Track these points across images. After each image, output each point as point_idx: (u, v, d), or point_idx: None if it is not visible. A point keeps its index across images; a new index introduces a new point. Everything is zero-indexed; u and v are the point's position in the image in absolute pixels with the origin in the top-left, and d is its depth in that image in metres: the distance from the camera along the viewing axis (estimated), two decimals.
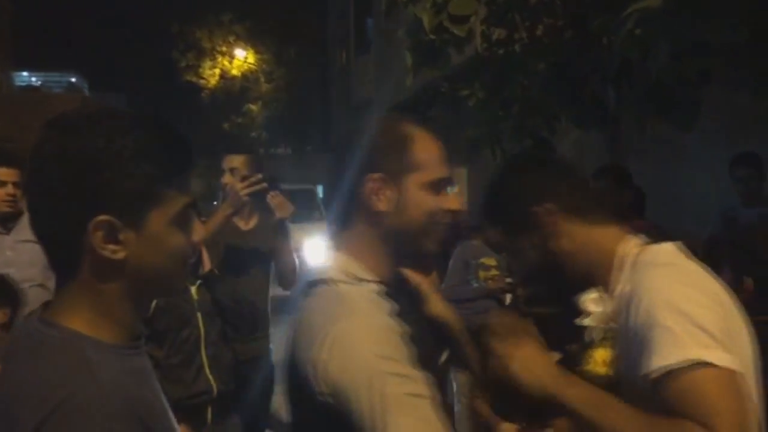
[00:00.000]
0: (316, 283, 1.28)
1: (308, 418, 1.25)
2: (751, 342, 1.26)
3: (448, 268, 4.58)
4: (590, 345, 1.33)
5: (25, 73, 39.50)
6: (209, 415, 2.84)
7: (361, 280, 1.27)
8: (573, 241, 1.35)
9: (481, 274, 4.50)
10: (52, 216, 0.96)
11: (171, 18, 23.32)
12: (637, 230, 1.40)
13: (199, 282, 2.86)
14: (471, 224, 4.83)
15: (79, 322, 0.99)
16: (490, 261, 4.55)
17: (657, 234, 1.49)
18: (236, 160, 3.46)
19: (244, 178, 3.14)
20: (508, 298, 3.90)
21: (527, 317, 1.48)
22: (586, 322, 1.32)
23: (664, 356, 1.13)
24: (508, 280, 4.41)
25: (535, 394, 1.23)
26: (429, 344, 1.35)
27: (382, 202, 1.27)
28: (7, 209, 3.53)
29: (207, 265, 2.87)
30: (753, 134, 4.43)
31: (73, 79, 42.48)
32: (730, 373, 1.13)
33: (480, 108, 4.31)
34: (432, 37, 3.63)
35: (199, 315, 2.83)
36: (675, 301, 1.18)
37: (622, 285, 1.28)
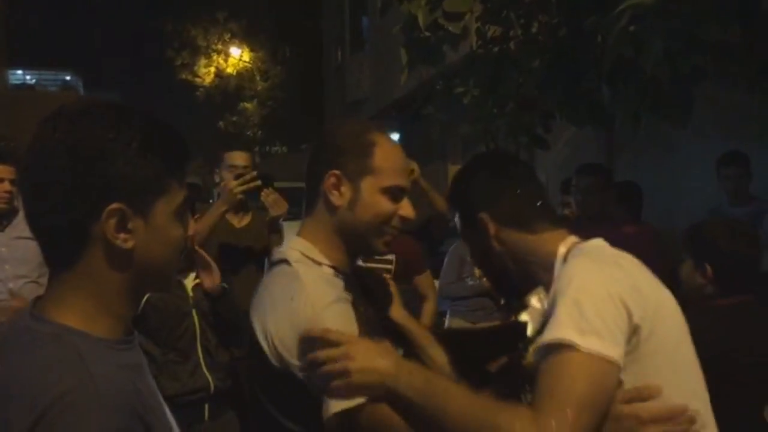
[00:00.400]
0: (276, 262, 1.44)
1: (264, 384, 1.39)
2: (675, 318, 1.32)
3: (443, 266, 4.59)
4: (529, 340, 1.42)
5: (19, 72, 39.38)
6: (206, 412, 2.85)
7: (316, 262, 1.43)
8: (513, 246, 1.44)
9: (477, 271, 4.50)
10: (59, 206, 0.96)
11: (165, 16, 23.27)
12: (627, 235, 1.48)
13: (196, 280, 2.86)
14: None
15: (71, 316, 0.98)
16: None
17: (650, 239, 1.57)
18: (237, 158, 3.47)
19: (238, 176, 3.15)
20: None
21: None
22: (522, 317, 1.45)
23: (544, 335, 1.22)
24: None
25: (378, 390, 1.23)
26: (379, 331, 1.45)
27: (337, 197, 1.43)
28: (3, 206, 3.55)
29: (213, 279, 2.82)
30: (747, 131, 4.44)
31: (68, 78, 42.32)
32: (596, 360, 1.16)
33: (475, 105, 4.32)
34: (427, 34, 3.63)
35: (194, 312, 2.83)
36: (573, 289, 1.24)
37: (554, 282, 1.35)
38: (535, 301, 1.43)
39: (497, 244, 1.44)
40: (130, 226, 0.98)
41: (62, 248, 0.99)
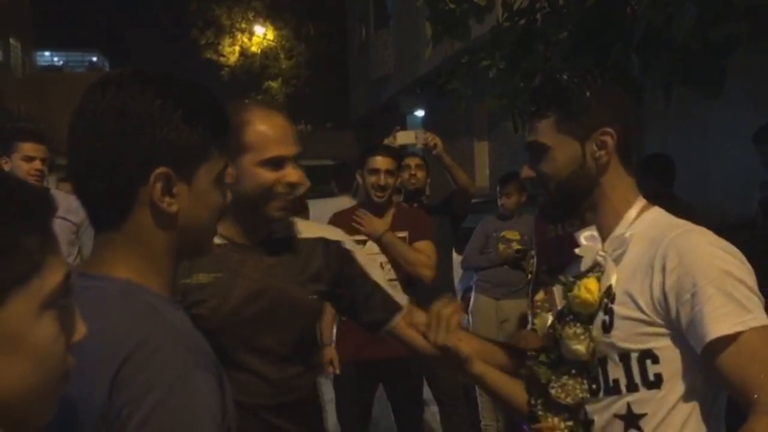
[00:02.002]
0: None
1: None
2: None
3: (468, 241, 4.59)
4: (579, 275, 1.44)
5: (47, 53, 39.80)
6: None
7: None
8: (609, 175, 1.43)
9: (501, 246, 4.50)
10: (108, 169, 0.99)
11: None
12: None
13: None
14: (490, 197, 4.78)
15: (130, 273, 1.01)
16: (513, 234, 4.53)
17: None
18: None
19: None
20: (530, 266, 3.89)
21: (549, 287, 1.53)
22: (578, 251, 1.46)
23: (730, 323, 1.20)
24: (517, 247, 4.42)
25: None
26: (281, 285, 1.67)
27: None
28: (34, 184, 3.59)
29: None
30: None
31: (95, 59, 42.69)
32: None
33: (500, 79, 4.25)
34: (452, 6, 3.58)
35: None
36: (721, 266, 1.25)
37: (621, 230, 1.40)
38: (584, 239, 1.45)
39: (597, 164, 1.41)
40: (174, 190, 1.01)
41: (110, 210, 1.02)
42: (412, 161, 4.18)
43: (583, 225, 1.48)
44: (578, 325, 1.38)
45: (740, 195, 4.63)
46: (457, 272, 4.60)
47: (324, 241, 1.78)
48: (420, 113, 14.95)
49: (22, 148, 3.44)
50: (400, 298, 1.80)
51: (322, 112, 23.56)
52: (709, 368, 1.23)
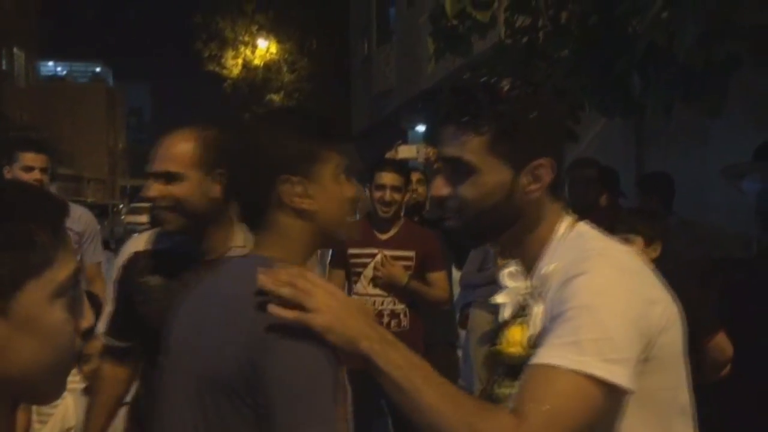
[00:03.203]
0: None
1: None
2: (680, 327, 1.23)
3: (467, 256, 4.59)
4: (504, 324, 1.29)
5: (50, 63, 39.93)
6: None
7: None
8: (538, 205, 1.25)
9: (499, 262, 4.50)
10: (252, 180, 1.25)
11: (194, 8, 23.42)
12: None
13: None
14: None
15: (272, 254, 1.23)
16: None
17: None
18: None
19: None
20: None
21: None
22: (499, 299, 1.31)
23: (552, 354, 1.08)
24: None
25: (344, 348, 1.12)
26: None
27: None
28: None
29: None
30: None
31: (98, 69, 42.80)
32: (606, 389, 1.06)
33: None
34: (454, 22, 3.60)
35: None
36: (598, 299, 1.11)
37: (545, 260, 1.24)
38: (508, 280, 1.30)
39: (526, 198, 1.23)
40: (307, 191, 1.23)
41: (258, 213, 1.26)
42: (413, 176, 4.21)
43: (502, 249, 1.39)
44: (510, 383, 1.24)
45: (740, 214, 4.63)
46: (457, 288, 4.59)
47: None
48: (421, 128, 14.98)
49: (22, 158, 3.44)
50: None
51: None
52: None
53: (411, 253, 3.42)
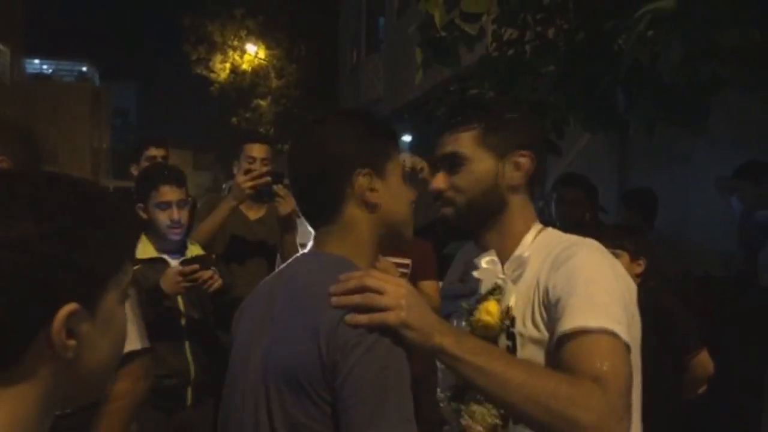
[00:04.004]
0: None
1: None
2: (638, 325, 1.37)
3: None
4: (480, 298, 1.44)
5: (36, 61, 39.63)
6: (189, 398, 2.80)
7: None
8: (519, 201, 1.47)
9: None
10: (327, 173, 1.29)
11: (183, 10, 23.35)
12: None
13: (182, 260, 2.80)
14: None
15: (341, 251, 1.28)
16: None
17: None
18: (255, 150, 3.43)
19: (247, 172, 3.12)
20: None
21: None
22: (476, 274, 1.46)
23: (582, 318, 1.22)
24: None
25: (417, 343, 1.16)
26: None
27: None
28: None
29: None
30: (763, 141, 4.40)
31: (84, 68, 42.51)
32: (627, 347, 1.22)
33: None
34: (443, 34, 3.61)
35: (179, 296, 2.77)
36: (596, 274, 1.29)
37: (520, 251, 1.43)
38: (485, 263, 1.44)
39: (509, 184, 1.44)
40: (374, 185, 1.29)
41: (327, 209, 1.30)
42: None
43: (481, 249, 1.48)
44: None
45: (721, 232, 4.67)
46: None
47: None
48: (407, 138, 15.02)
49: None
50: None
51: None
52: (553, 357, 1.26)
53: (407, 261, 3.41)
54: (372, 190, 1.28)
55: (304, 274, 1.26)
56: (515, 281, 1.39)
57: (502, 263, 1.43)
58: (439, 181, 1.47)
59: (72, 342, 0.77)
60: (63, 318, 0.75)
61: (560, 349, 1.23)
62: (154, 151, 3.54)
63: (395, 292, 1.16)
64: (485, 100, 1.49)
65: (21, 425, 0.75)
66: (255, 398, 1.21)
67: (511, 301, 1.37)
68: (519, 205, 1.45)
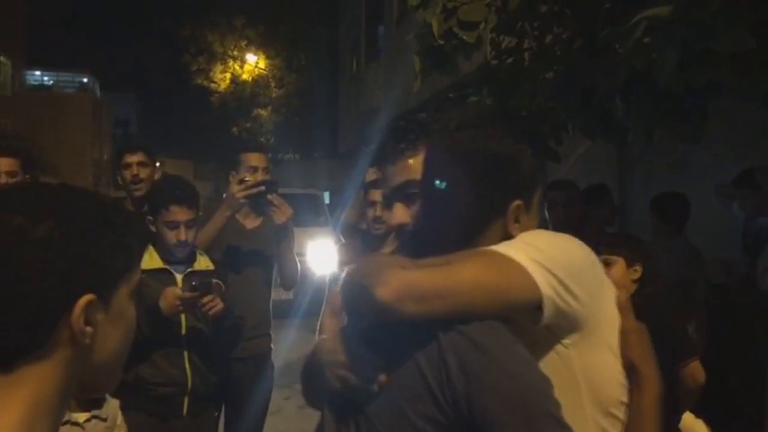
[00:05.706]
0: None
1: None
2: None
3: None
4: None
5: (37, 72, 39.70)
6: (185, 407, 2.80)
7: None
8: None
9: None
10: (483, 200, 1.19)
11: (183, 21, 23.44)
12: None
13: (186, 271, 2.82)
14: None
15: None
16: None
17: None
18: (253, 159, 3.44)
19: (241, 182, 3.12)
20: None
21: None
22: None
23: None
24: None
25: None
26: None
27: None
28: None
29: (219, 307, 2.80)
30: (761, 147, 4.41)
31: (85, 80, 42.54)
32: (513, 263, 1.08)
33: None
34: (441, 42, 3.63)
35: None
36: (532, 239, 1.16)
37: None
38: None
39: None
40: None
41: (471, 236, 1.19)
42: None
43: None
44: None
45: (720, 238, 4.68)
46: None
47: None
48: None
49: None
50: None
51: (310, 142, 23.64)
52: None
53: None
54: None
55: None
56: None
57: None
58: (400, 215, 1.31)
59: (89, 329, 0.86)
60: (82, 306, 0.85)
61: None
62: (128, 158, 3.52)
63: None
64: (425, 119, 1.30)
65: (45, 403, 0.85)
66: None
67: None
68: (497, 225, 1.23)
